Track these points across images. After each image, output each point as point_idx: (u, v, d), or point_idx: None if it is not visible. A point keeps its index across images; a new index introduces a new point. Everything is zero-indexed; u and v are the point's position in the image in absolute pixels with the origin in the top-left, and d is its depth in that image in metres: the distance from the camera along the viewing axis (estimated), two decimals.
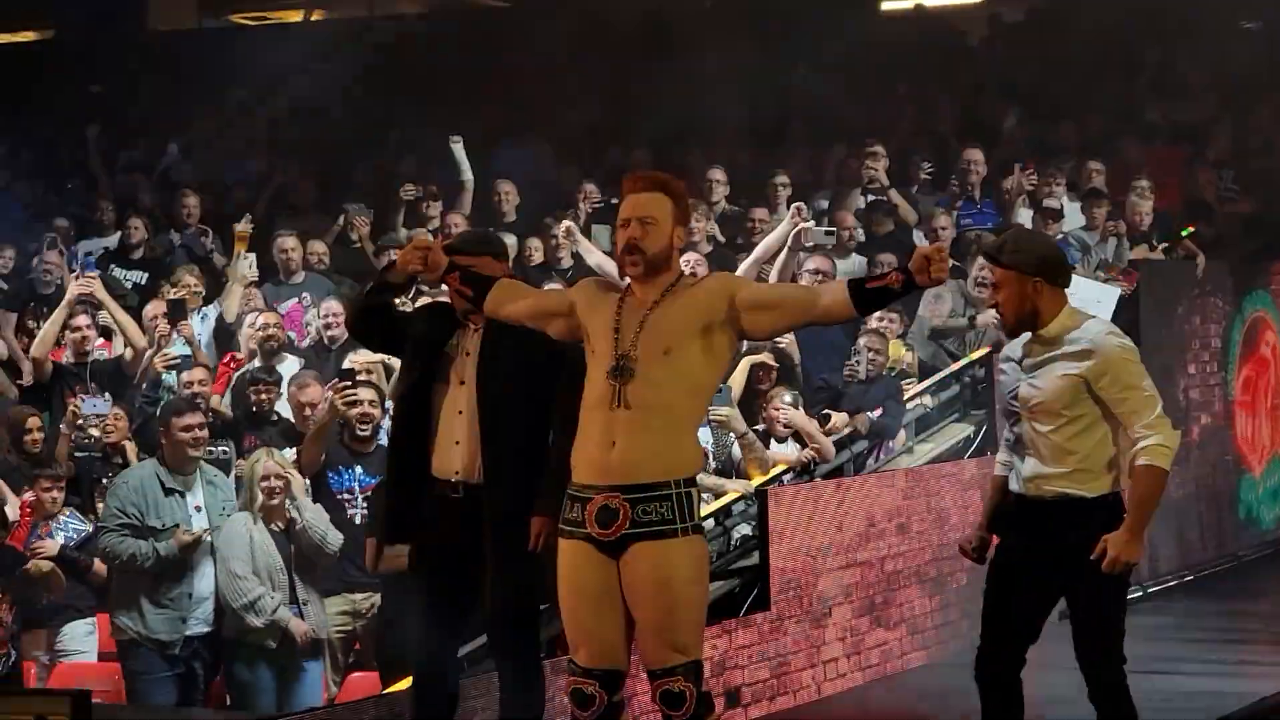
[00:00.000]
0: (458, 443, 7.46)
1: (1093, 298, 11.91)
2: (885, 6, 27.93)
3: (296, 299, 15.11)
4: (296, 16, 32.30)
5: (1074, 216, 15.27)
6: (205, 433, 10.19)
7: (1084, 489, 7.01)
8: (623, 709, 6.72)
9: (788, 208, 13.70)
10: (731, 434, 10.92)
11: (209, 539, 9.94)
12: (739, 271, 13.43)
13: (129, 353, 13.10)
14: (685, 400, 6.46)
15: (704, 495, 9.44)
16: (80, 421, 11.80)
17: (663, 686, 6.34)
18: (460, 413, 7.45)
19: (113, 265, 17.01)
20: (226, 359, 12.74)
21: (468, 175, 16.79)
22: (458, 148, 17.90)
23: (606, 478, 6.36)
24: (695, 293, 6.57)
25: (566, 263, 15.14)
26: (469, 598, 7.49)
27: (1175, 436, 7.11)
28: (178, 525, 9.91)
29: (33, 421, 11.67)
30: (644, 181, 6.75)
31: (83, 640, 10.94)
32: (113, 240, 17.97)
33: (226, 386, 13.16)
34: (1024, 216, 15.19)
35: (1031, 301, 6.94)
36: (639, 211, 6.57)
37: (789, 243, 13.11)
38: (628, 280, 6.83)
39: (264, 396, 12.28)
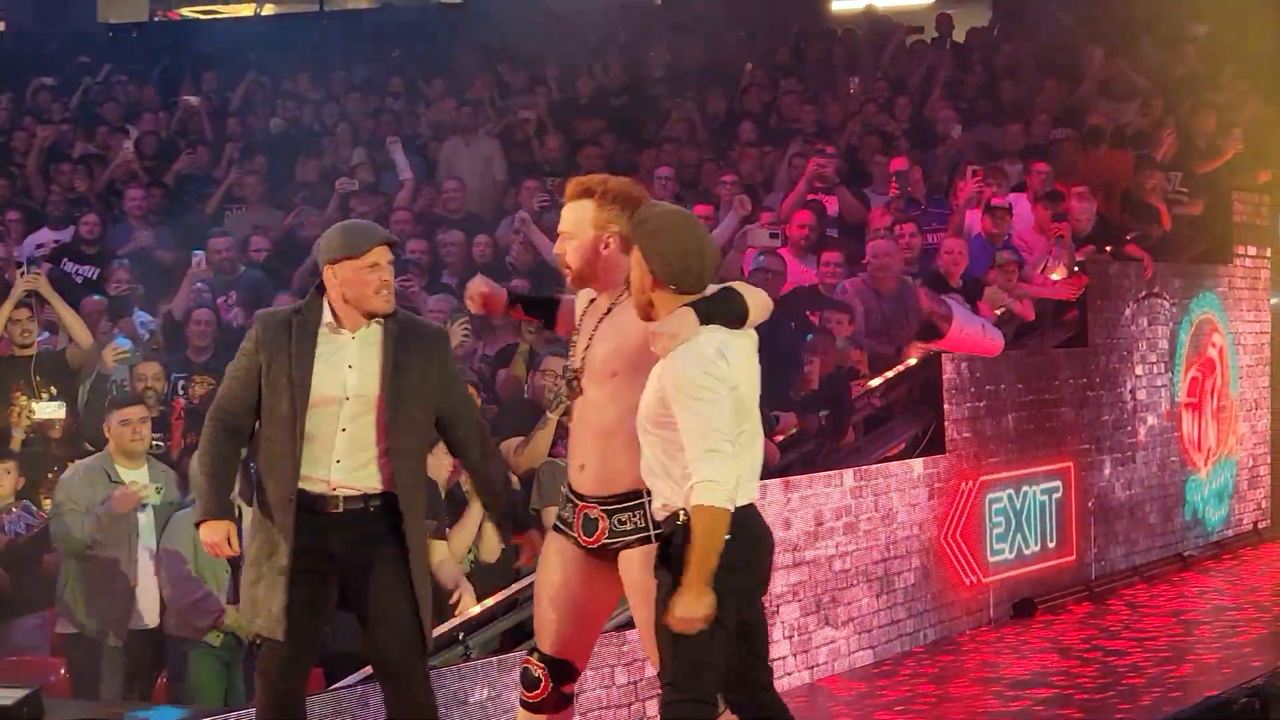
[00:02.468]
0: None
1: None
2: (835, 7, 28.05)
3: (223, 295, 15.09)
4: (248, 10, 32.43)
5: (1021, 218, 15.30)
6: (147, 426, 10.17)
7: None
8: (570, 703, 6.71)
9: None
10: None
11: (152, 502, 9.94)
12: None
13: (73, 348, 13.03)
14: (629, 419, 6.30)
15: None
16: (30, 421, 11.80)
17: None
18: None
19: (64, 259, 16.98)
20: (179, 410, 12.41)
21: (405, 175, 16.87)
22: (395, 149, 18.00)
23: (585, 490, 6.46)
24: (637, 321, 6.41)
25: (520, 257, 15.21)
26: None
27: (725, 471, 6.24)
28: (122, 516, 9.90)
29: None
30: (570, 189, 6.72)
31: (32, 634, 10.96)
32: (65, 234, 17.92)
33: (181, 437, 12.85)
34: (972, 217, 15.08)
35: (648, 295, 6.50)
36: (562, 225, 6.61)
37: (735, 242, 13.23)
38: None
39: (203, 393, 12.26)
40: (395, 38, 25.59)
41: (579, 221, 6.53)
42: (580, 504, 6.46)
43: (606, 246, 6.48)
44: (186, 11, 32.89)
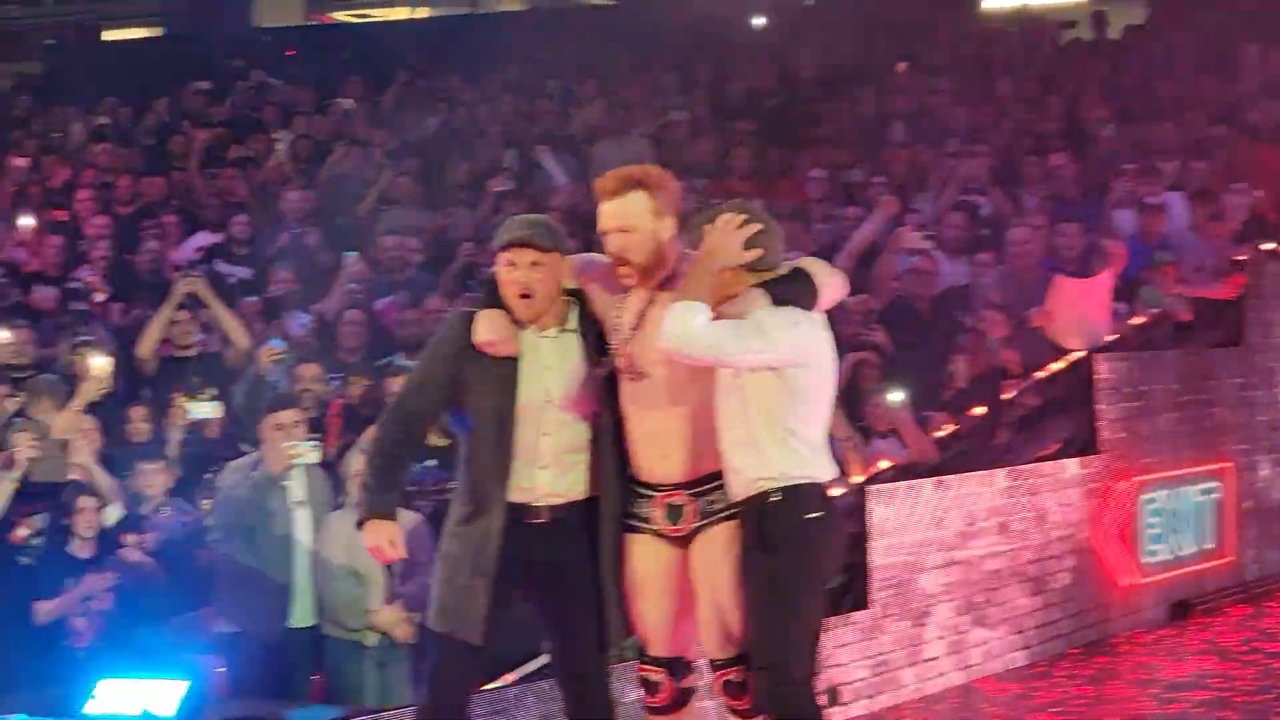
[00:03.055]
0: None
1: None
2: (986, 5, 27.76)
3: (392, 296, 15.26)
4: (402, 14, 32.67)
5: (1177, 217, 15.17)
6: (301, 429, 10.23)
7: None
8: (692, 696, 6.66)
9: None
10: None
11: (308, 460, 10.07)
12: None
13: (230, 349, 13.23)
14: (709, 401, 6.34)
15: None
16: (186, 420, 11.98)
17: (723, 676, 6.33)
18: None
19: (217, 260, 17.09)
20: (336, 409, 12.45)
21: (559, 181, 17.01)
22: (546, 157, 18.16)
23: (668, 478, 6.39)
24: None
25: None
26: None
27: None
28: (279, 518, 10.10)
29: (136, 412, 11.82)
30: (616, 183, 6.50)
31: (185, 633, 10.81)
32: (219, 236, 18.02)
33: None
34: (1125, 217, 15.10)
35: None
36: (615, 223, 6.40)
37: (887, 244, 13.25)
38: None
39: (359, 393, 12.46)
40: (547, 39, 25.50)
41: (639, 214, 6.39)
42: (659, 494, 6.38)
43: (665, 231, 6.39)
44: (340, 15, 33.20)
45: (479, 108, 22.51)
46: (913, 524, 11.07)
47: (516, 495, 6.44)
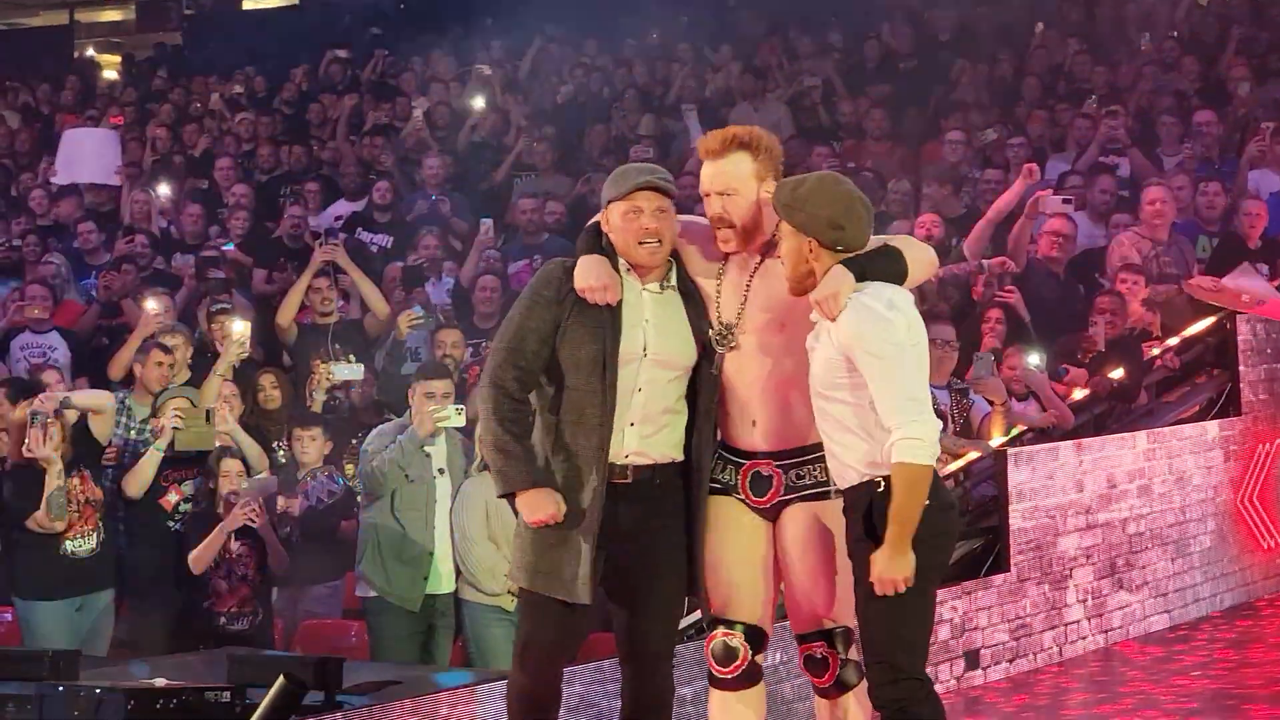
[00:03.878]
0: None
1: None
2: None
3: (527, 259, 15.30)
4: None
5: None
6: (450, 400, 10.23)
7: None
8: (762, 674, 6.48)
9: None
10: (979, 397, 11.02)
11: (454, 424, 10.12)
12: (972, 235, 13.54)
13: (370, 316, 13.38)
14: (805, 370, 6.12)
15: (942, 456, 9.43)
16: (330, 383, 12.16)
17: (805, 650, 6.24)
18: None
19: (359, 229, 17.27)
20: (474, 376, 12.37)
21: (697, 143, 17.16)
22: (690, 116, 18.20)
23: (755, 446, 6.30)
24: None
25: None
26: None
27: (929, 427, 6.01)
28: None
29: (266, 379, 11.99)
30: (718, 143, 6.31)
31: (327, 600, 11.32)
32: (359, 205, 18.18)
33: None
34: (1265, 177, 14.97)
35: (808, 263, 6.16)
36: (717, 185, 6.23)
37: (1025, 209, 13.23)
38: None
39: None
40: (682, 4, 25.22)
41: (742, 176, 6.22)
42: (748, 462, 6.28)
43: (765, 194, 6.18)
44: None
45: (615, 73, 22.51)
46: (1052, 487, 11.07)
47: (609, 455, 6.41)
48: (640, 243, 6.20)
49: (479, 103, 21.56)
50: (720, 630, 6.25)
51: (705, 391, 6.32)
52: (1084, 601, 11.16)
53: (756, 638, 6.27)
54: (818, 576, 6.15)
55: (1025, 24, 21.62)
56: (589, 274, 6.24)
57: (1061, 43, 20.22)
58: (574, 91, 22.10)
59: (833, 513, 6.06)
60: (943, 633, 10.29)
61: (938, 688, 9.92)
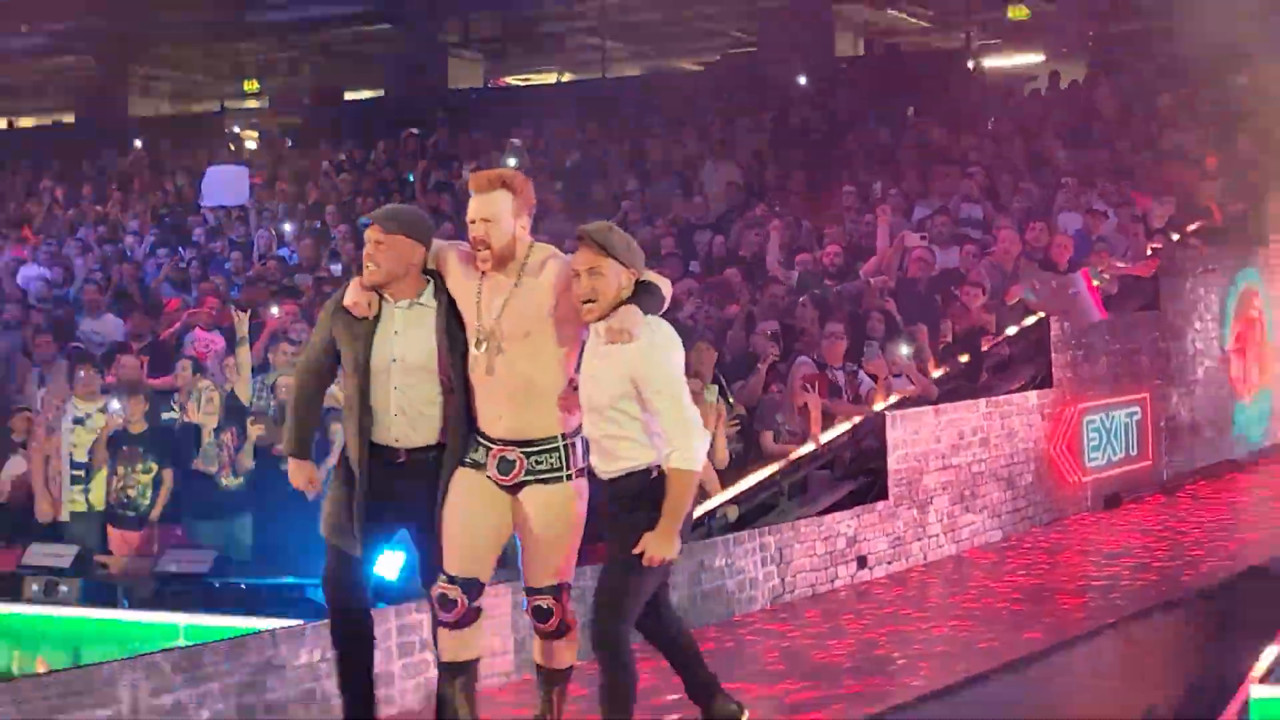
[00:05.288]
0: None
1: None
2: (974, 64, 26.76)
3: None
4: (551, 79, 32.82)
5: (1111, 218, 15.04)
6: None
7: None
8: (480, 614, 6.00)
9: None
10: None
11: None
12: (868, 264, 13.58)
13: None
14: (547, 375, 5.80)
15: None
16: None
17: (534, 601, 5.86)
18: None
19: None
20: None
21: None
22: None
23: (501, 435, 5.85)
24: (548, 283, 5.78)
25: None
26: None
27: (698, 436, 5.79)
28: None
29: None
30: (484, 181, 5.87)
31: None
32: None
33: None
34: (1072, 219, 15.14)
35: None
36: (482, 213, 5.76)
37: (894, 243, 13.62)
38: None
39: None
40: (653, 97, 25.52)
41: (502, 209, 5.73)
42: (496, 447, 5.83)
43: (521, 229, 5.78)
44: (510, 80, 33.34)
45: (608, 145, 22.02)
46: (918, 439, 11.14)
47: (379, 438, 5.97)
48: (365, 269, 5.93)
49: (512, 163, 21.27)
50: (442, 582, 5.86)
51: (458, 388, 5.93)
52: (941, 521, 11.21)
53: (471, 586, 5.88)
54: (548, 543, 5.85)
55: (901, 108, 21.16)
56: (349, 294, 5.93)
57: (929, 122, 19.64)
58: (579, 158, 21.49)
59: (561, 495, 5.79)
60: (840, 544, 10.36)
61: (838, 584, 10.28)
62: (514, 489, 5.78)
